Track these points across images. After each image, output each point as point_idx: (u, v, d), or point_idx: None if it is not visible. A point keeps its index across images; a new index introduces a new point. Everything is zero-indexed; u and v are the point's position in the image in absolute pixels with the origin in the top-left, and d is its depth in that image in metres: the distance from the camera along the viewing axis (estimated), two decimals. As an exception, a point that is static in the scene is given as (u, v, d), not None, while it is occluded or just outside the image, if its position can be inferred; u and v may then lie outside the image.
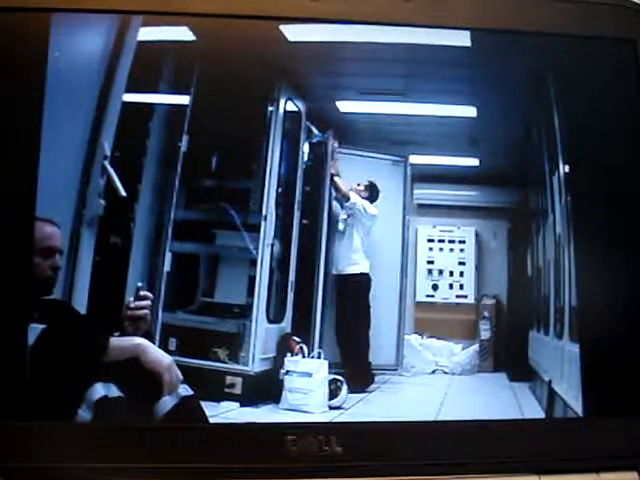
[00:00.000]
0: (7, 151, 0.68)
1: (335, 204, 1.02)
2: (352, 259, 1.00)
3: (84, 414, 0.70)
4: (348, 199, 1.01)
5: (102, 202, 0.80)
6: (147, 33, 0.75)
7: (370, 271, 0.98)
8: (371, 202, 1.01)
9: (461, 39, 0.79)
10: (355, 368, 0.93)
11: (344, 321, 0.99)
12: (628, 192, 0.78)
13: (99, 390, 0.71)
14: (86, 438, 0.68)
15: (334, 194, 1.02)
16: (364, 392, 0.91)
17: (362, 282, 0.97)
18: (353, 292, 0.99)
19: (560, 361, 0.86)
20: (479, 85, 0.88)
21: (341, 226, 1.02)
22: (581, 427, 0.75)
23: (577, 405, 0.76)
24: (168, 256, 0.90)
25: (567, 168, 0.85)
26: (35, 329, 0.69)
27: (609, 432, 0.74)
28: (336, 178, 1.00)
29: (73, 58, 0.72)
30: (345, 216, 1.02)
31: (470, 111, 0.91)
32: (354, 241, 1.01)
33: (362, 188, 1.02)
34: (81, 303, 0.77)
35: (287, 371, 0.89)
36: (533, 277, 0.95)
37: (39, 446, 0.66)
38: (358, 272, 0.99)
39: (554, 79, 0.82)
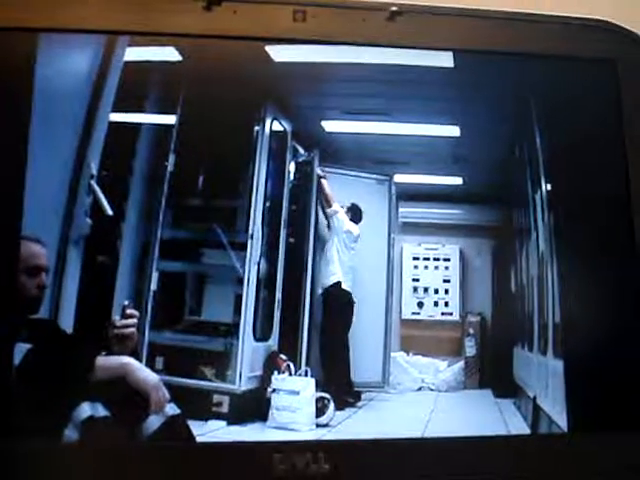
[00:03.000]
0: None
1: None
2: (330, 271, 1.00)
3: (70, 434, 0.68)
4: (330, 206, 1.01)
5: (89, 221, 0.79)
6: (134, 53, 0.74)
7: (350, 285, 0.98)
8: (355, 223, 1.01)
9: (444, 60, 0.79)
10: (336, 383, 0.92)
11: (325, 334, 0.98)
12: (610, 209, 0.78)
13: (86, 410, 0.69)
14: (72, 458, 0.66)
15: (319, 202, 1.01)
16: (351, 408, 0.91)
17: (339, 291, 0.98)
18: (332, 302, 0.98)
19: (544, 377, 0.85)
20: (462, 105, 0.88)
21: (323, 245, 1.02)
22: (566, 442, 0.75)
23: (562, 420, 0.76)
24: (155, 275, 0.89)
25: (549, 186, 0.85)
26: (21, 348, 0.68)
27: (594, 447, 0.74)
28: (323, 180, 0.99)
29: (60, 78, 0.72)
30: (326, 230, 1.01)
31: (453, 130, 0.91)
32: (330, 253, 1.01)
33: (345, 210, 1.01)
34: (67, 322, 0.76)
35: (274, 389, 0.88)
36: (517, 294, 0.95)
37: (25, 466, 0.65)
38: (335, 281, 0.99)
39: (536, 99, 0.82)
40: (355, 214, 1.01)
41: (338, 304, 0.98)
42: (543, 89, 0.81)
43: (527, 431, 0.81)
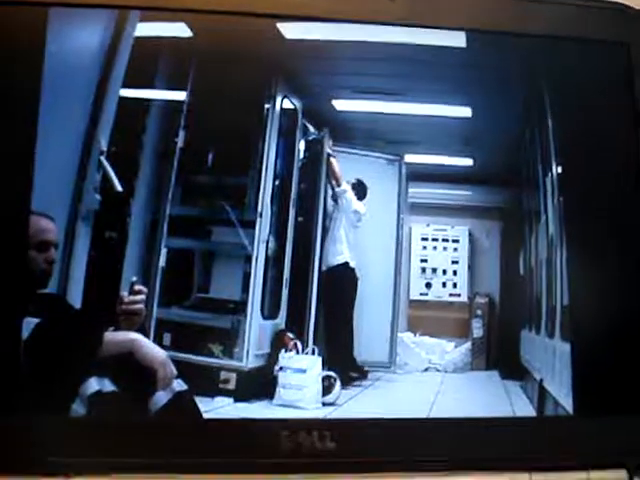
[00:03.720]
0: (3, 145, 0.66)
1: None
2: (337, 250, 1.00)
3: (78, 408, 0.68)
4: (339, 185, 1.00)
5: (98, 197, 0.78)
6: (144, 29, 0.73)
7: (355, 263, 0.97)
8: (359, 199, 1.00)
9: (457, 40, 0.78)
10: (340, 360, 0.92)
11: (329, 313, 0.97)
12: (619, 193, 0.77)
13: (93, 385, 0.69)
14: (80, 432, 0.66)
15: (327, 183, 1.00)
16: (358, 387, 0.90)
17: (345, 271, 0.97)
18: (337, 281, 0.98)
19: (551, 360, 0.85)
20: (474, 86, 0.86)
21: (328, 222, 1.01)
22: (572, 425, 0.74)
23: (568, 403, 0.75)
24: (163, 251, 0.88)
25: (560, 169, 0.84)
26: (30, 323, 0.68)
27: (599, 430, 0.73)
28: (332, 159, 0.98)
29: (70, 53, 0.71)
30: (332, 208, 1.01)
31: (465, 111, 0.91)
32: (338, 232, 1.00)
33: (350, 186, 1.00)
34: (76, 297, 0.76)
35: (281, 367, 0.88)
36: (525, 276, 0.94)
37: (33, 439, 0.64)
38: (342, 262, 0.99)
39: (548, 81, 0.81)
40: (360, 191, 1.00)
41: (344, 283, 0.97)
42: (556, 71, 0.79)
43: (533, 413, 0.82)
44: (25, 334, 0.66)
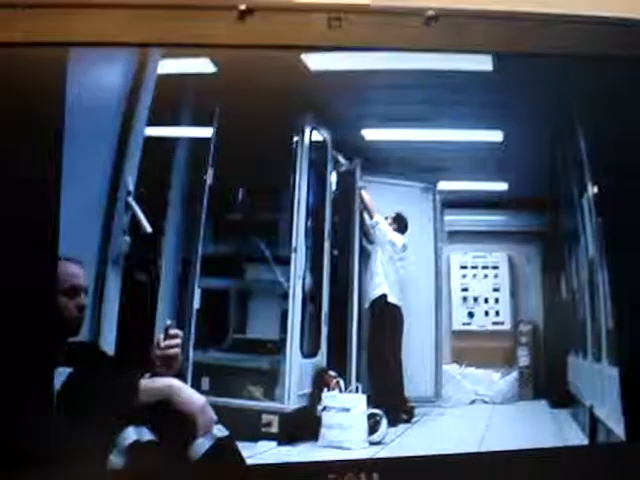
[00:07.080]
0: (28, 191, 0.62)
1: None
2: (375, 283, 0.96)
3: (116, 459, 0.64)
4: (372, 217, 0.96)
5: (127, 239, 0.75)
6: (167, 66, 0.70)
7: (397, 298, 0.93)
8: (400, 233, 0.95)
9: (483, 63, 0.74)
10: (386, 397, 0.87)
11: (372, 348, 0.94)
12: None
13: (131, 434, 0.65)
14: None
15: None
16: (405, 424, 0.85)
17: (384, 304, 0.93)
18: (378, 315, 0.94)
19: (600, 385, 0.80)
20: (504, 109, 0.83)
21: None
22: (626, 451, 0.69)
23: (619, 429, 0.70)
24: (197, 292, 0.85)
25: (595, 189, 0.80)
26: (62, 373, 0.64)
27: None
28: (363, 192, 0.94)
29: (92, 93, 0.68)
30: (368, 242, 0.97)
31: (496, 135, 0.87)
32: (375, 265, 0.97)
33: (390, 221, 0.96)
34: (109, 344, 0.72)
35: (324, 407, 0.84)
36: (568, 301, 0.90)
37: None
38: (380, 294, 0.95)
39: (578, 100, 0.77)
40: (400, 224, 0.97)
41: (385, 318, 0.93)
42: (584, 90, 0.76)
43: (585, 441, 0.77)
44: (58, 384, 0.62)
